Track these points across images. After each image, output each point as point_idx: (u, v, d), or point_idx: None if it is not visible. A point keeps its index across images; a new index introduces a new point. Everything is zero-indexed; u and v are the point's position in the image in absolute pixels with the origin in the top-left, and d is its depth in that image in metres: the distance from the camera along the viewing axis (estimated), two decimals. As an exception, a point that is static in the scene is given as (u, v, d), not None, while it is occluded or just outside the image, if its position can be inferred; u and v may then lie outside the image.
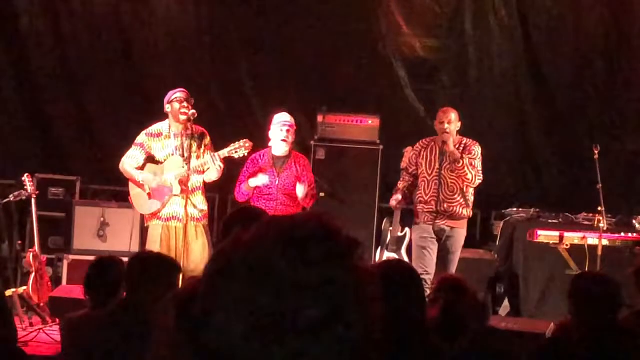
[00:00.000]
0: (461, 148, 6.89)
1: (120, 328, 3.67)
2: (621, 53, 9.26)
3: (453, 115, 6.87)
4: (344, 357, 1.05)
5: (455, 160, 6.78)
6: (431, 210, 6.85)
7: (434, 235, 6.86)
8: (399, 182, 7.12)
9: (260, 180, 6.68)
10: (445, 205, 6.82)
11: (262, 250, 1.06)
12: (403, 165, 7.09)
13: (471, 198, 6.91)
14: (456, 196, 6.84)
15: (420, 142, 7.10)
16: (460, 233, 6.91)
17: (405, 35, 9.34)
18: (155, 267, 3.89)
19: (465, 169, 6.76)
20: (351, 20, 9.27)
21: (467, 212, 6.90)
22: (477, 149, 6.90)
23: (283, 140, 6.78)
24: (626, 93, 9.25)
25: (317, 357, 1.04)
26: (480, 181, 6.88)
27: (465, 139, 6.98)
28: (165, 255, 4.44)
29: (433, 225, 6.84)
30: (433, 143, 7.00)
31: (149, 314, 3.64)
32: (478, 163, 6.87)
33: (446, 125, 6.80)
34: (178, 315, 1.10)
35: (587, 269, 6.82)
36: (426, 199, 6.88)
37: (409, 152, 7.08)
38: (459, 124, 6.92)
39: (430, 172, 6.91)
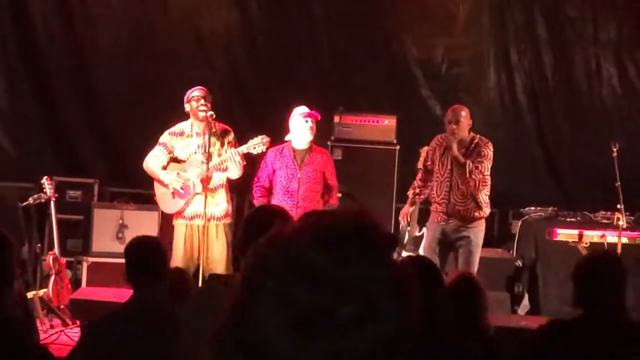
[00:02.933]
0: (472, 147, 6.64)
1: (139, 323, 3.68)
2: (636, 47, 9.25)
3: (462, 114, 6.61)
4: (380, 354, 1.05)
5: (459, 165, 6.55)
6: (443, 211, 6.67)
7: (446, 236, 6.68)
8: (415, 182, 6.98)
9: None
10: (457, 208, 6.61)
11: (300, 247, 1.07)
12: (419, 165, 7.02)
13: (485, 199, 6.66)
14: (467, 199, 6.61)
15: (436, 138, 6.88)
16: (476, 231, 6.66)
17: (421, 34, 9.32)
18: (145, 255, 3.93)
19: (468, 175, 6.50)
20: (366, 20, 9.26)
21: (481, 213, 6.66)
22: (488, 150, 6.61)
23: (309, 130, 6.72)
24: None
25: (352, 354, 1.04)
26: (485, 187, 6.60)
27: (478, 137, 6.72)
28: (144, 237, 4.34)
29: (446, 225, 6.67)
30: (445, 142, 6.77)
31: (162, 307, 3.66)
32: (487, 165, 6.57)
33: (453, 126, 6.56)
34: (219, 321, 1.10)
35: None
36: (438, 200, 6.72)
37: (424, 152, 7.00)
38: (470, 122, 6.67)
39: (442, 173, 6.71)
